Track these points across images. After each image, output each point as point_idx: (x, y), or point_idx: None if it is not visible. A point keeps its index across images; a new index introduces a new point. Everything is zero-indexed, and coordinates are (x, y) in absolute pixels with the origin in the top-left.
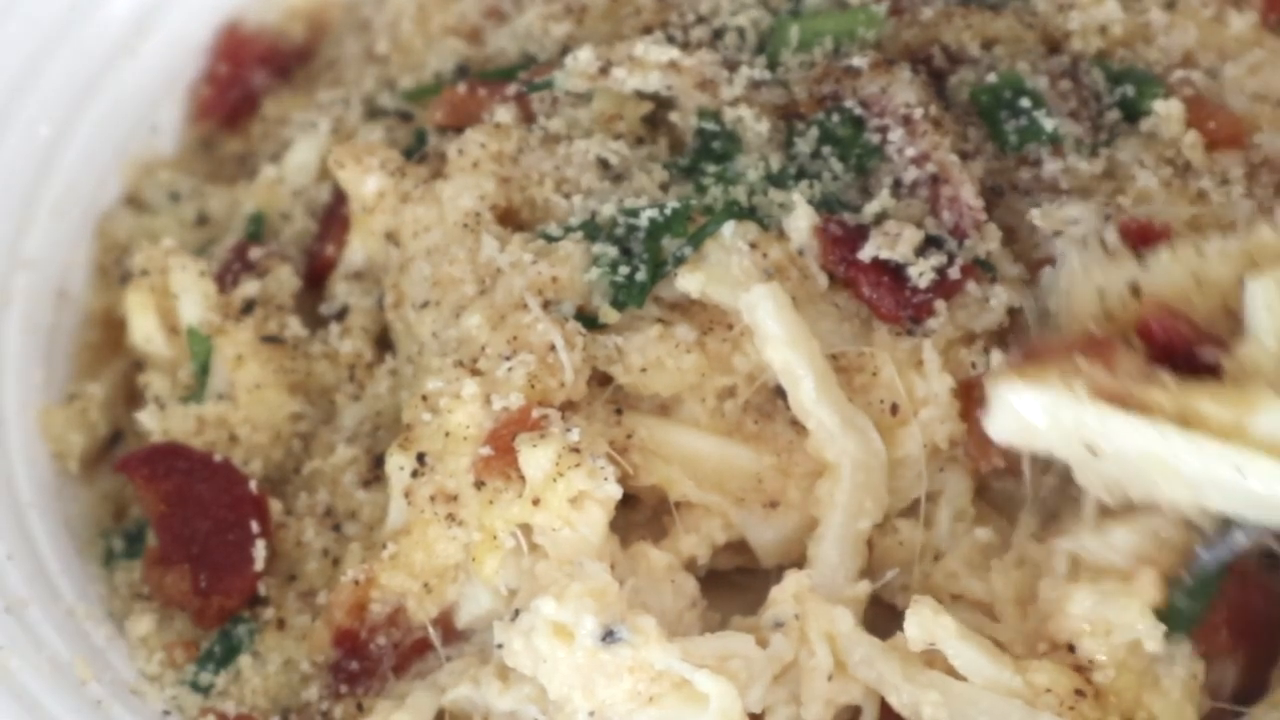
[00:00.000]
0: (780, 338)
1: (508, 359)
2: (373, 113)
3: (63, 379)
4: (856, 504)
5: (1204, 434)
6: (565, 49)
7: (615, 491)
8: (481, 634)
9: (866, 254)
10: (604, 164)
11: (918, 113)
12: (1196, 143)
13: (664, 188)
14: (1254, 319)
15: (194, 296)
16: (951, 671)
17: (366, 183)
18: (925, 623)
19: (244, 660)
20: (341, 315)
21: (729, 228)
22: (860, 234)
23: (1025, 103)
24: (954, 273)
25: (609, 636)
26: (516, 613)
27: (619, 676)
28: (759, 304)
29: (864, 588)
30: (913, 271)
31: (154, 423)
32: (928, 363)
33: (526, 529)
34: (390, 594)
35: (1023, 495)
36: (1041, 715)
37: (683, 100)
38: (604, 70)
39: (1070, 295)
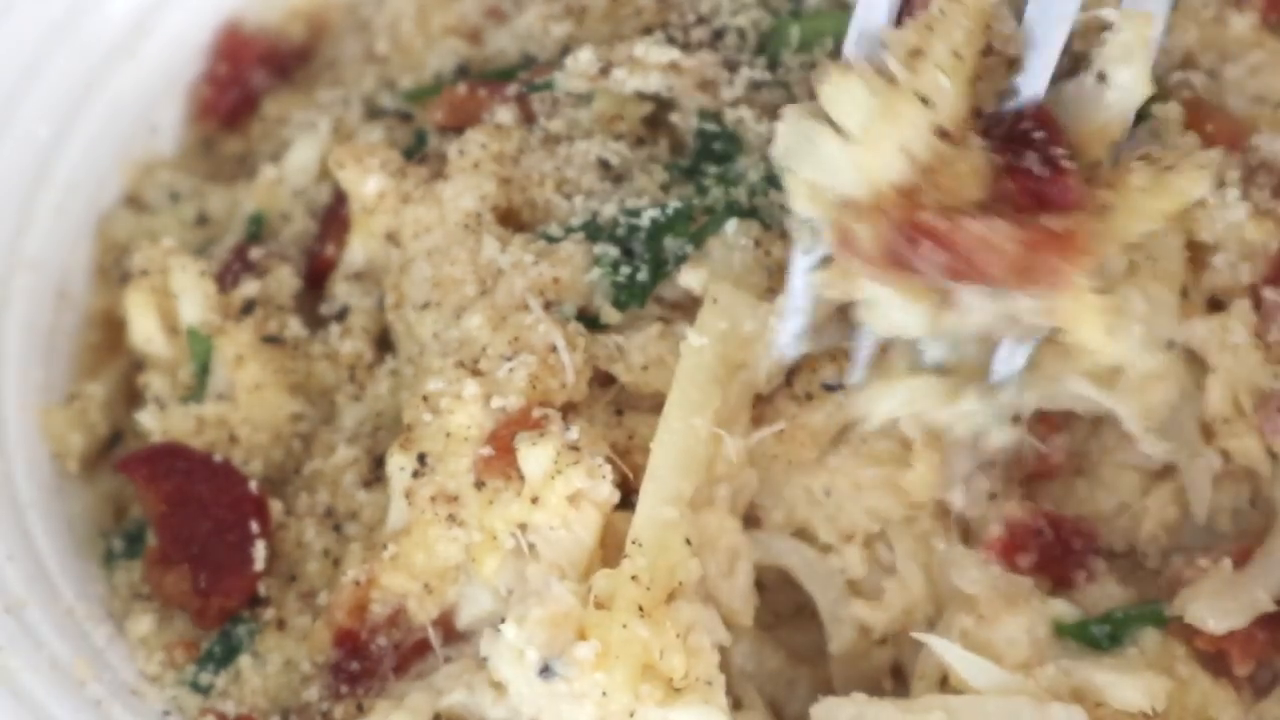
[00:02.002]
0: None
1: (509, 360)
2: (373, 113)
3: (63, 379)
4: None
5: None
6: (565, 49)
7: (611, 494)
8: (482, 635)
9: None
10: (605, 165)
11: None
12: (1195, 145)
13: (665, 189)
14: None
15: (194, 296)
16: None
17: (367, 183)
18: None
19: (244, 660)
20: (342, 316)
21: (732, 224)
22: None
23: None
24: None
25: (545, 671)
26: (503, 620)
27: (580, 704)
28: None
29: None
30: None
31: (154, 423)
32: None
33: (526, 529)
34: (391, 595)
35: None
36: (1051, 707)
37: (683, 101)
38: (604, 71)
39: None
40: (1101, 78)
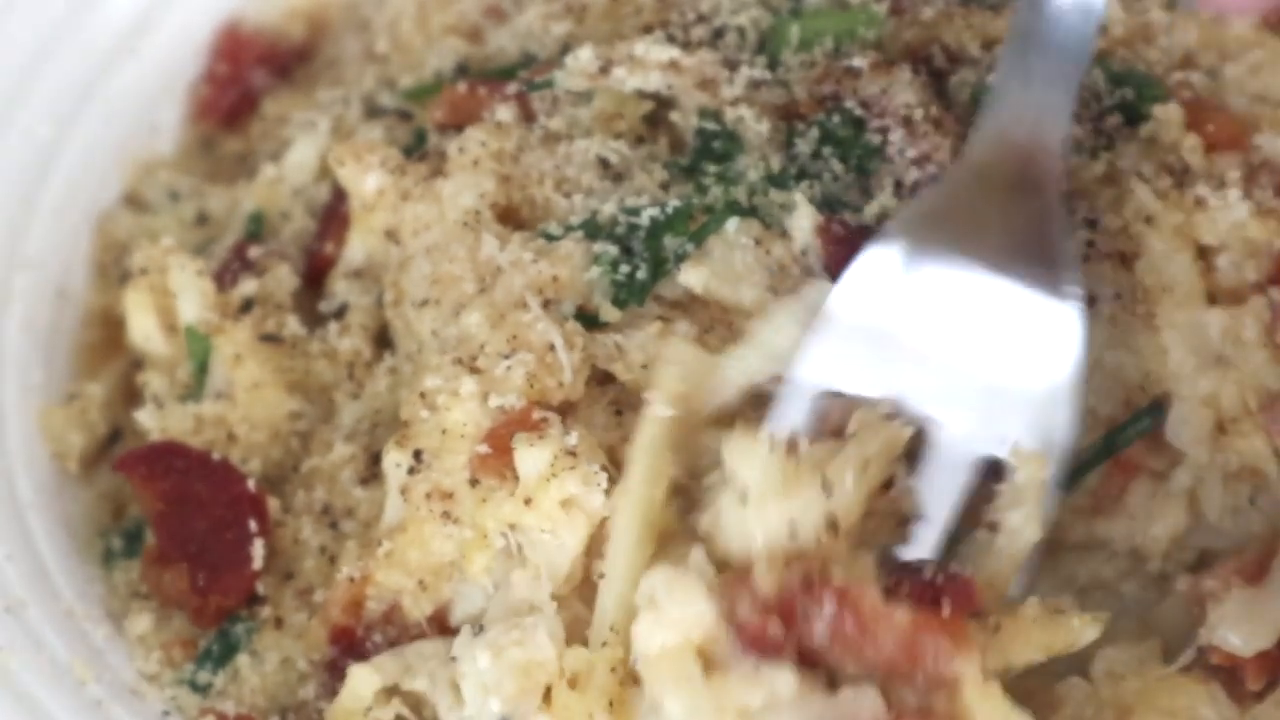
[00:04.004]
0: None
1: (507, 358)
2: (372, 112)
3: (63, 379)
4: None
5: None
6: (565, 48)
7: (604, 505)
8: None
9: None
10: (604, 163)
11: (918, 114)
12: (1197, 146)
13: (664, 187)
14: None
15: (192, 295)
16: None
17: (366, 180)
18: None
19: (242, 659)
20: (341, 313)
21: (733, 224)
22: (863, 234)
23: None
24: None
25: None
26: (481, 628)
27: None
28: None
29: None
30: None
31: (152, 421)
32: None
33: (515, 529)
34: (386, 591)
35: None
36: None
37: (683, 100)
38: (604, 70)
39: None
40: (993, 527)
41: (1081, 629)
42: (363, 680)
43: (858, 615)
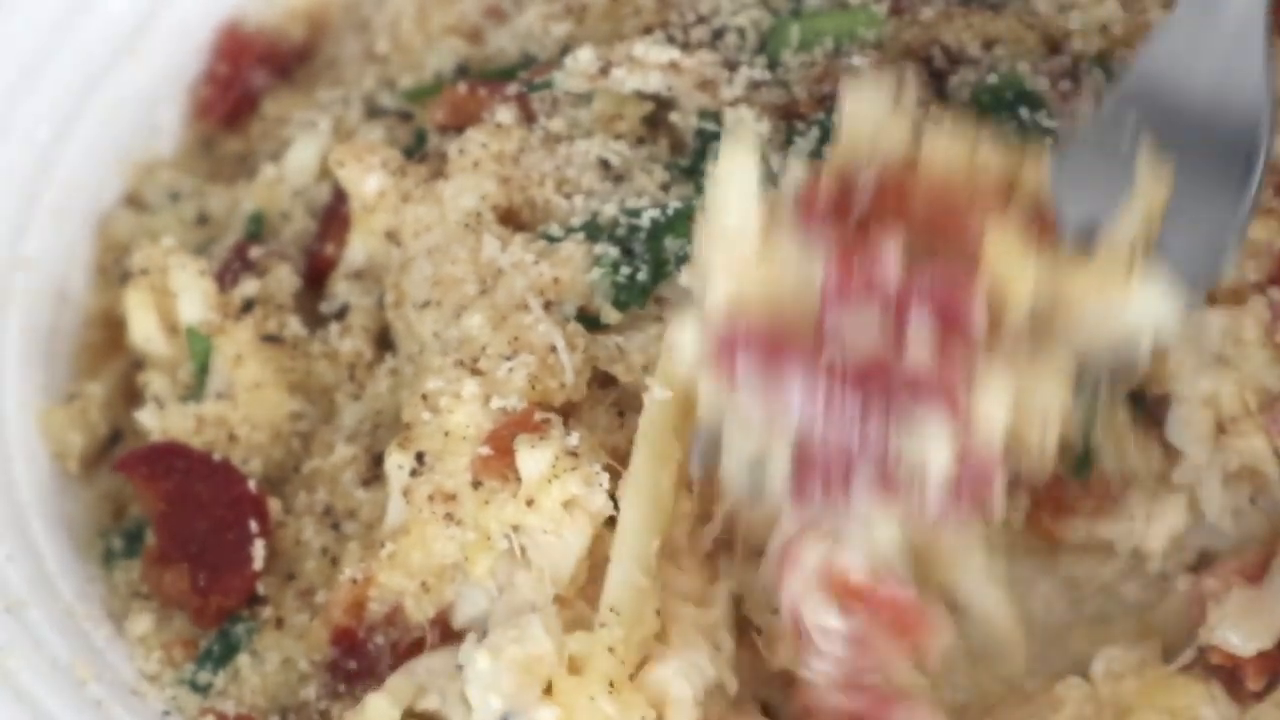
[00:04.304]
0: None
1: (508, 359)
2: (373, 112)
3: (63, 379)
4: None
5: None
6: (565, 49)
7: (605, 504)
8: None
9: None
10: (605, 164)
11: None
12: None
13: (665, 188)
14: None
15: (193, 296)
16: None
17: (367, 181)
18: None
19: (242, 659)
20: (342, 314)
21: None
22: None
23: (1026, 104)
24: None
25: None
26: (485, 633)
27: None
28: None
29: None
30: None
31: (153, 422)
32: None
33: (518, 531)
34: (388, 593)
35: None
36: None
37: (683, 101)
38: (604, 71)
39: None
40: None
41: (1145, 299)
42: (381, 711)
43: (900, 177)
